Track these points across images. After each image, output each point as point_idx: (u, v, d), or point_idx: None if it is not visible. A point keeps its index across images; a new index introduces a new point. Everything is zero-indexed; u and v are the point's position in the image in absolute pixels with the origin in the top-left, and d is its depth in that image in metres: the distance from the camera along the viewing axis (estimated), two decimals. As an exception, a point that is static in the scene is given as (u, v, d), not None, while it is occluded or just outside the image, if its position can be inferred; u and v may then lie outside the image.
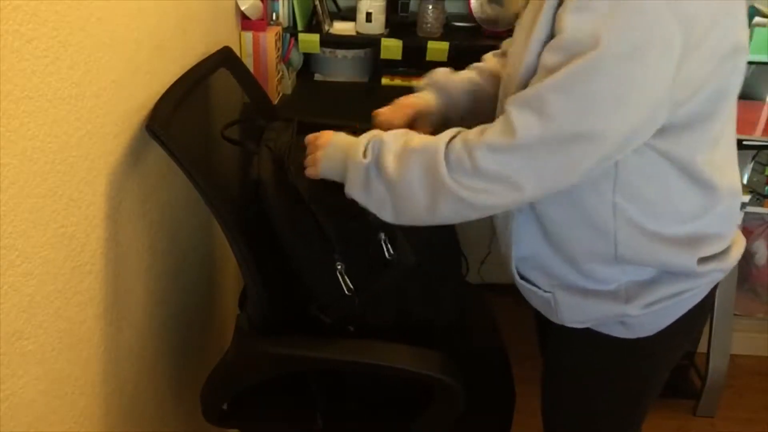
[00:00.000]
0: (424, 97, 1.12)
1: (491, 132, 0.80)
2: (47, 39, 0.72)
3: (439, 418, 1.05)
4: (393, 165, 0.86)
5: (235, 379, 1.09)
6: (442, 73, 1.14)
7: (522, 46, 0.83)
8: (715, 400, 1.92)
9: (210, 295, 1.47)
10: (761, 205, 1.81)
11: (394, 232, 1.00)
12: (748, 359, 2.14)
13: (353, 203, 0.92)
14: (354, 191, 0.90)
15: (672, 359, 1.04)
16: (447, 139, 0.84)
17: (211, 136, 1.15)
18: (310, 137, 0.99)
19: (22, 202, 0.71)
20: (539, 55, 0.79)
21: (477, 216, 0.87)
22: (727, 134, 0.87)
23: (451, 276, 1.13)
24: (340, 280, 1.00)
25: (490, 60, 1.17)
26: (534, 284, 0.98)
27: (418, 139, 0.88)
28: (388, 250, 1.01)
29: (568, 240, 0.92)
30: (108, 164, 0.91)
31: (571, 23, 0.73)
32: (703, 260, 0.90)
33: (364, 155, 0.89)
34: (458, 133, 0.86)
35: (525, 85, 0.81)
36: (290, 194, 0.99)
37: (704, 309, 0.98)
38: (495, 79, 1.11)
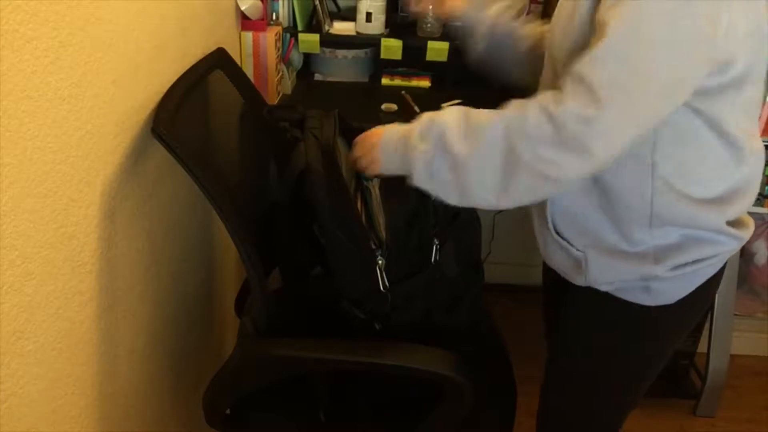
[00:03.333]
0: None
1: (571, 99, 0.81)
2: (47, 39, 0.72)
3: (448, 416, 1.05)
4: (461, 145, 0.86)
5: (241, 383, 1.08)
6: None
7: (571, 9, 0.87)
8: (715, 400, 1.91)
9: (210, 295, 1.47)
10: (761, 205, 1.81)
11: (446, 240, 1.00)
12: (748, 359, 2.14)
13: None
14: (418, 179, 0.91)
15: (679, 335, 1.07)
16: (516, 112, 0.85)
17: (212, 137, 1.15)
18: (359, 138, 1.00)
19: (22, 202, 0.71)
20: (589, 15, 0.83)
21: (552, 192, 0.89)
22: (753, 97, 0.92)
23: (474, 283, 1.13)
24: (379, 275, 1.00)
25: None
26: (569, 242, 0.99)
27: (482, 114, 0.88)
28: (435, 256, 1.01)
29: (611, 201, 0.94)
30: (108, 164, 0.91)
31: None
32: (729, 223, 0.95)
33: (422, 141, 0.89)
34: (521, 103, 0.86)
35: (577, 46, 0.84)
36: (337, 185, 0.99)
37: (713, 285, 1.02)
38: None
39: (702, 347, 1.89)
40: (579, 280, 1.01)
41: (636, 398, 1.13)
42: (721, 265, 1.00)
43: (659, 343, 1.07)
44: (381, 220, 1.03)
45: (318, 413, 1.15)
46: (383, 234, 1.01)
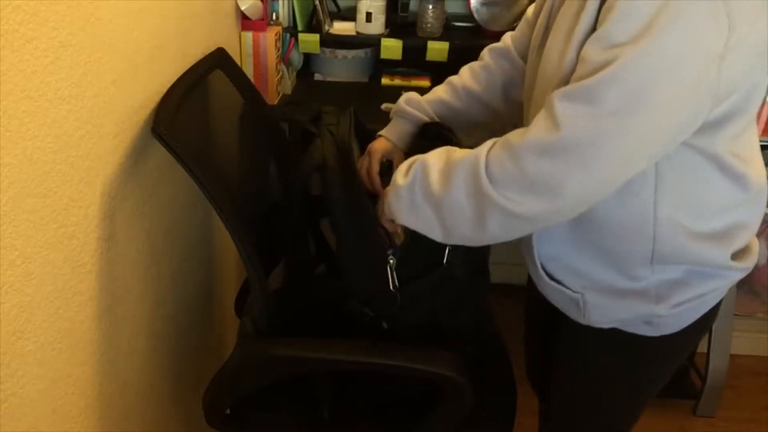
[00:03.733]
0: (392, 131, 1.15)
1: (533, 131, 0.78)
2: (47, 39, 0.72)
3: (448, 417, 1.04)
4: (438, 182, 0.85)
5: (240, 383, 1.08)
6: (406, 99, 1.15)
7: (562, 44, 0.82)
8: (715, 400, 1.92)
9: (209, 295, 1.47)
10: (761, 205, 1.81)
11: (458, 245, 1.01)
12: (748, 359, 2.14)
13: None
14: (402, 216, 0.90)
15: (684, 355, 1.06)
16: (487, 148, 0.83)
17: (212, 137, 1.15)
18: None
19: (22, 202, 0.71)
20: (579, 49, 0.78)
21: (529, 230, 0.85)
22: (751, 127, 0.88)
23: (479, 285, 1.14)
24: (389, 274, 1.00)
25: (465, 74, 1.17)
26: (563, 284, 0.97)
27: (461, 152, 0.86)
28: (447, 257, 1.00)
29: (608, 241, 0.91)
30: (108, 164, 0.91)
31: (619, 15, 0.72)
32: (733, 256, 0.92)
33: (405, 177, 0.89)
34: (496, 140, 0.84)
35: (567, 81, 0.79)
36: (351, 183, 0.99)
37: (718, 308, 1.00)
38: (468, 95, 1.14)
39: (702, 347, 1.89)
40: (579, 319, 0.99)
41: (641, 410, 1.13)
42: (724, 293, 0.97)
43: (661, 365, 1.05)
44: None
45: (320, 411, 1.15)
46: (397, 233, 1.01)
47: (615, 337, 0.98)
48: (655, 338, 0.97)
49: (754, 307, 2.07)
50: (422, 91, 1.20)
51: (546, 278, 0.98)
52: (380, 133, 1.16)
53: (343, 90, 1.83)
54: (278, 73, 1.66)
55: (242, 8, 1.52)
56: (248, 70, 1.59)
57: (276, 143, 1.33)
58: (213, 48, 1.24)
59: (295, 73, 1.84)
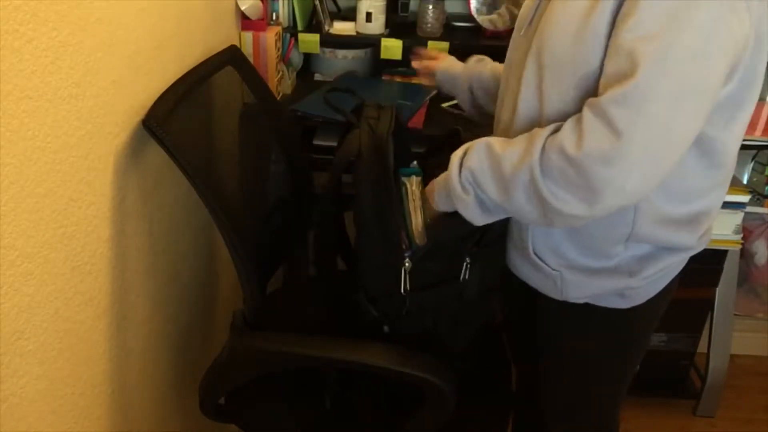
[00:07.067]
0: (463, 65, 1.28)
1: (593, 141, 0.79)
2: (47, 39, 0.72)
3: (429, 421, 1.04)
4: (497, 193, 0.89)
5: (229, 375, 1.09)
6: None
7: (575, 27, 0.84)
8: (715, 400, 1.92)
9: (210, 294, 1.47)
10: (761, 205, 1.81)
11: (477, 261, 1.02)
12: (748, 359, 2.15)
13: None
14: (478, 220, 0.94)
15: (656, 320, 1.11)
16: (539, 156, 0.84)
17: (215, 133, 1.15)
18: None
19: (22, 202, 0.72)
20: (605, 39, 0.81)
21: (588, 219, 0.89)
22: (744, 119, 0.91)
23: (489, 303, 1.13)
24: (402, 277, 1.00)
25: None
26: (544, 262, 1.00)
27: (508, 162, 0.87)
28: (464, 273, 1.01)
29: (589, 224, 0.94)
30: (108, 164, 0.91)
31: (648, 7, 0.76)
32: (700, 237, 0.99)
33: (465, 191, 0.92)
34: (544, 142, 0.85)
35: (590, 65, 0.83)
36: (384, 178, 0.99)
37: (680, 275, 1.06)
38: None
39: (702, 347, 1.89)
40: (555, 295, 1.03)
41: (625, 386, 1.16)
42: (685, 262, 1.03)
43: (635, 336, 1.09)
44: (417, 219, 1.02)
45: (322, 400, 1.14)
46: (414, 234, 1.01)
47: (590, 311, 1.02)
48: (627, 310, 1.01)
49: (754, 307, 2.07)
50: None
51: (532, 255, 1.00)
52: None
53: (343, 90, 1.82)
54: (278, 73, 1.66)
55: (242, 8, 1.52)
56: (248, 70, 1.59)
57: (285, 140, 1.33)
58: (213, 48, 1.24)
59: (295, 73, 1.83)
